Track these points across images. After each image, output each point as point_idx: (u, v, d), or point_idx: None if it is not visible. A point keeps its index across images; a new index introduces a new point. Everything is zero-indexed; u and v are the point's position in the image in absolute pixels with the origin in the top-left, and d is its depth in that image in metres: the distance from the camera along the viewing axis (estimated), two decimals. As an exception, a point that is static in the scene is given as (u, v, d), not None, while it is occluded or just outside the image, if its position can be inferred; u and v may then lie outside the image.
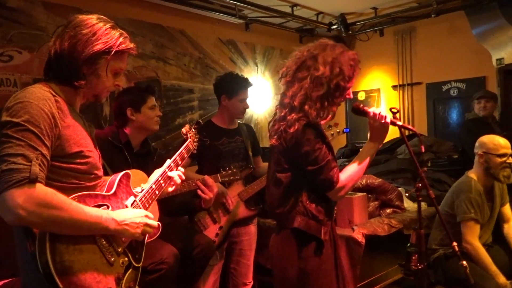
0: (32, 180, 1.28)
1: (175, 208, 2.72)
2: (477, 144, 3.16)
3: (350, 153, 5.60)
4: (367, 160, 1.99)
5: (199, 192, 2.59)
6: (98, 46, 1.51)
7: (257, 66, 5.68)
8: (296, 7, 5.18)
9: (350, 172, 1.95)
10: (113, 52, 1.54)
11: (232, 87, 3.08)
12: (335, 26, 5.74)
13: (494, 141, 3.07)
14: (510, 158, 3.01)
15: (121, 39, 1.57)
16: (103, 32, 1.53)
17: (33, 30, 3.62)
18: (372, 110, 1.96)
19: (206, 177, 2.63)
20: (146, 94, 2.67)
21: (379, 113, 1.94)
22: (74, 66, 1.50)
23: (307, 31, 6.08)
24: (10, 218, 1.28)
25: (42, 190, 1.31)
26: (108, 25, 1.56)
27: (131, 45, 1.62)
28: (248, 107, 3.17)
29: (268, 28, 5.64)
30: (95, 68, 1.54)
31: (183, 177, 1.98)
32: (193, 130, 2.30)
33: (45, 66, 1.55)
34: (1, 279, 2.36)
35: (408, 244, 2.39)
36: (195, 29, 4.91)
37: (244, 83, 3.12)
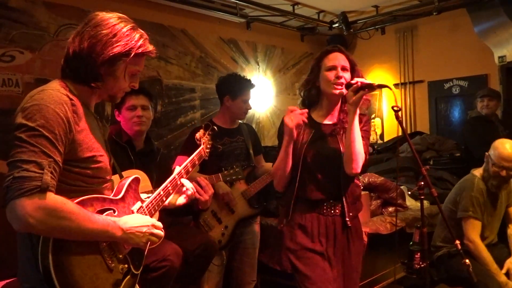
0: (43, 190, 1.28)
1: (177, 208, 2.71)
2: (493, 143, 3.10)
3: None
4: (282, 157, 2.14)
5: (195, 193, 2.57)
6: (118, 48, 1.48)
7: (258, 65, 5.68)
8: (297, 5, 5.17)
9: (274, 166, 2.21)
10: (132, 55, 1.51)
11: (236, 87, 3.09)
12: (337, 25, 5.73)
13: (502, 149, 2.99)
14: (504, 171, 2.98)
15: (141, 42, 1.54)
16: (124, 34, 1.50)
17: (34, 30, 3.62)
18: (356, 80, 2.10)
19: (200, 178, 2.61)
20: (127, 95, 2.63)
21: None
22: (92, 67, 1.47)
23: (308, 30, 6.07)
24: (18, 226, 1.28)
25: (52, 199, 1.30)
26: (129, 26, 1.53)
27: (151, 48, 1.59)
28: (250, 108, 3.18)
29: (269, 27, 5.63)
30: (113, 69, 1.51)
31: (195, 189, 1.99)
32: (208, 136, 2.26)
33: (63, 64, 1.52)
34: (3, 279, 2.37)
35: (411, 243, 2.39)
36: (196, 28, 4.91)
37: (248, 84, 3.14)
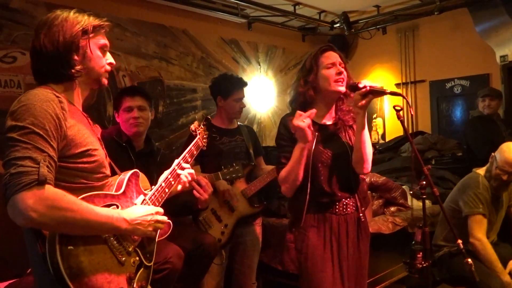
0: (41, 182, 1.29)
1: (177, 207, 2.71)
2: (501, 146, 3.07)
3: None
4: (293, 166, 2.07)
5: (194, 192, 2.56)
6: (75, 28, 1.53)
7: (259, 65, 5.68)
8: (299, 5, 5.18)
9: (284, 172, 2.11)
10: (90, 29, 1.56)
11: (226, 87, 3.11)
12: (338, 25, 5.74)
13: (508, 154, 2.96)
14: (506, 176, 2.96)
15: (91, 17, 1.60)
16: (73, 17, 1.56)
17: (36, 31, 3.63)
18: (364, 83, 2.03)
19: (200, 177, 2.62)
20: (122, 95, 2.62)
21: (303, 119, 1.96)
22: (63, 56, 1.51)
23: (309, 30, 6.07)
24: (21, 221, 1.29)
25: (51, 191, 1.31)
26: (73, 11, 1.59)
27: (103, 19, 1.64)
28: (244, 107, 3.20)
29: (270, 27, 5.64)
30: (82, 51, 1.55)
31: (190, 177, 1.98)
32: (202, 126, 2.29)
33: (34, 74, 1.56)
34: (6, 280, 2.38)
35: (413, 242, 2.38)
36: (197, 28, 4.91)
37: (238, 83, 3.15)
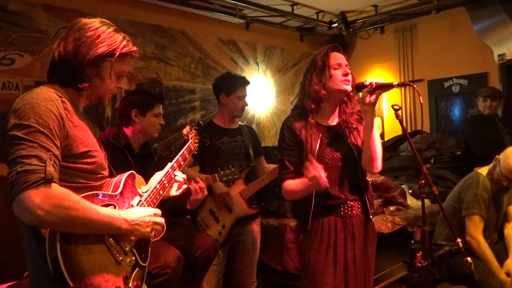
0: (48, 181, 1.30)
1: (166, 209, 2.71)
2: (506, 150, 3.04)
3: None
4: (302, 191, 2.09)
5: (191, 187, 2.52)
6: (102, 49, 1.53)
7: (258, 65, 5.68)
8: (296, 6, 5.18)
9: (293, 185, 2.13)
10: (117, 55, 1.56)
11: (230, 84, 3.14)
12: (336, 24, 5.73)
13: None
14: (507, 182, 2.97)
15: (124, 42, 1.59)
16: (107, 35, 1.55)
17: (34, 33, 3.63)
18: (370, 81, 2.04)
19: (198, 178, 2.62)
20: (155, 100, 2.70)
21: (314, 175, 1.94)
22: (78, 69, 1.51)
23: (307, 30, 6.07)
24: (28, 218, 1.30)
25: (57, 190, 1.33)
26: (111, 28, 1.59)
27: (134, 48, 1.64)
28: (246, 105, 3.22)
29: (268, 27, 5.64)
30: (99, 70, 1.56)
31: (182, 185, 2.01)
32: (194, 131, 2.32)
33: (49, 69, 1.57)
34: (5, 282, 2.37)
35: (412, 241, 2.39)
36: (195, 29, 4.91)
37: (242, 80, 3.19)
